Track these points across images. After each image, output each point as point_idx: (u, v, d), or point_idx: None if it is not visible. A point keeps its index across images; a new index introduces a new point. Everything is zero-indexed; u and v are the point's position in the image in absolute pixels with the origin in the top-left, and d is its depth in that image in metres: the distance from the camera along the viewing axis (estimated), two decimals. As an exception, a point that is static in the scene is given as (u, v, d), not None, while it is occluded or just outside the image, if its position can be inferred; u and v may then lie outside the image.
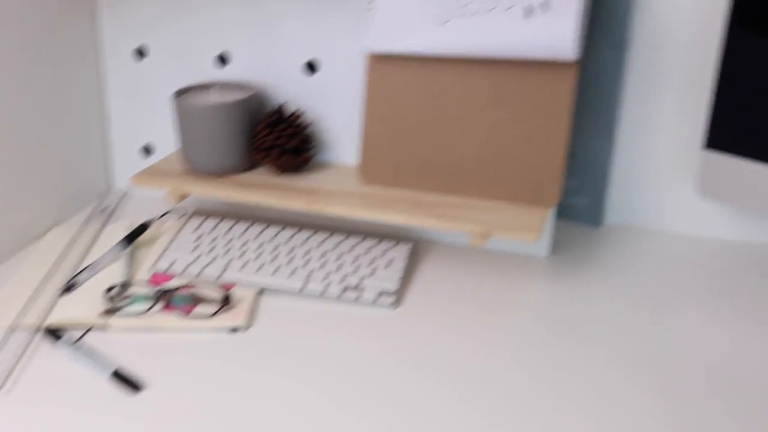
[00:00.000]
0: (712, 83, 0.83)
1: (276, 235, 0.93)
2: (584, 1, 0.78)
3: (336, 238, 0.92)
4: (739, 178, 0.83)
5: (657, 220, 0.97)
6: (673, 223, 0.96)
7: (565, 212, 0.98)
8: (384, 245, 0.91)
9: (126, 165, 1.10)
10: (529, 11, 0.78)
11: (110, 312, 0.80)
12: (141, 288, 0.84)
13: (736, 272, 0.88)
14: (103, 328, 0.79)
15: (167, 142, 1.07)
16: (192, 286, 0.84)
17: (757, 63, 0.77)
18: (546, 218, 0.83)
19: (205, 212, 1.00)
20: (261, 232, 0.94)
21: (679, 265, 0.90)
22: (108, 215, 1.04)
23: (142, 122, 1.07)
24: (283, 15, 0.95)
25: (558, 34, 0.77)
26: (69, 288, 0.85)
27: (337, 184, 0.92)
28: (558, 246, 0.93)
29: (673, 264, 0.90)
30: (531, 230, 0.79)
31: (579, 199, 0.97)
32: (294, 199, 0.88)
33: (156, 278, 0.87)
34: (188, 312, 0.81)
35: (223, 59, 1.00)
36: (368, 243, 0.92)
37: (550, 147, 0.83)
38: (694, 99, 0.90)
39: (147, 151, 1.09)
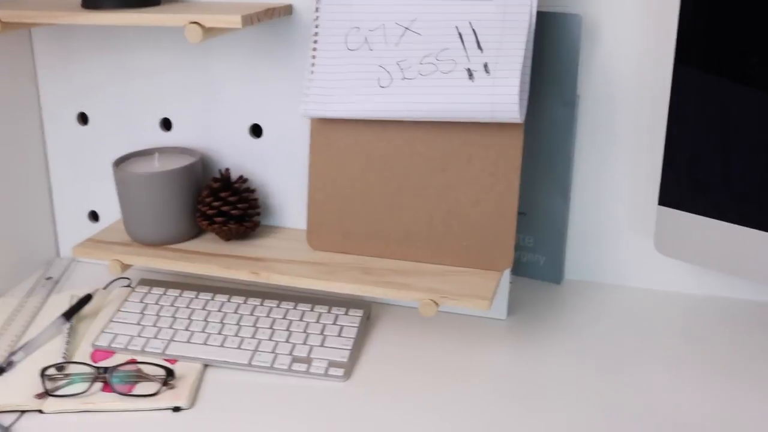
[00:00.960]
0: (665, 135, 0.82)
1: (223, 304, 0.90)
2: (527, 60, 0.77)
3: (285, 306, 0.89)
4: (694, 236, 0.81)
5: (616, 276, 0.95)
6: (633, 278, 0.94)
7: (523, 270, 0.96)
8: (335, 312, 0.88)
9: (73, 232, 1.07)
10: (471, 74, 0.77)
11: (46, 394, 0.77)
12: (80, 367, 0.80)
13: (699, 328, 0.86)
14: (38, 411, 0.75)
15: (114, 209, 1.04)
16: (134, 363, 0.80)
17: (703, 102, 0.76)
18: (499, 283, 0.81)
19: (150, 281, 0.96)
20: (208, 301, 0.91)
21: (640, 322, 0.88)
22: (53, 285, 1.00)
23: (88, 188, 1.04)
24: (226, 78, 0.93)
25: (502, 96, 0.75)
26: (3, 369, 0.81)
27: (284, 251, 0.89)
28: (517, 305, 0.91)
29: (634, 320, 0.88)
30: (483, 298, 0.77)
31: (537, 256, 0.95)
32: (239, 269, 0.85)
33: (97, 354, 0.84)
34: (129, 391, 0.77)
35: (166, 124, 0.98)
36: (319, 310, 0.89)
37: (500, 210, 0.81)
38: (649, 153, 0.88)
39: (94, 216, 1.06)
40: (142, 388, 0.78)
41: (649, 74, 0.84)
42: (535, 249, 0.94)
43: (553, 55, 0.84)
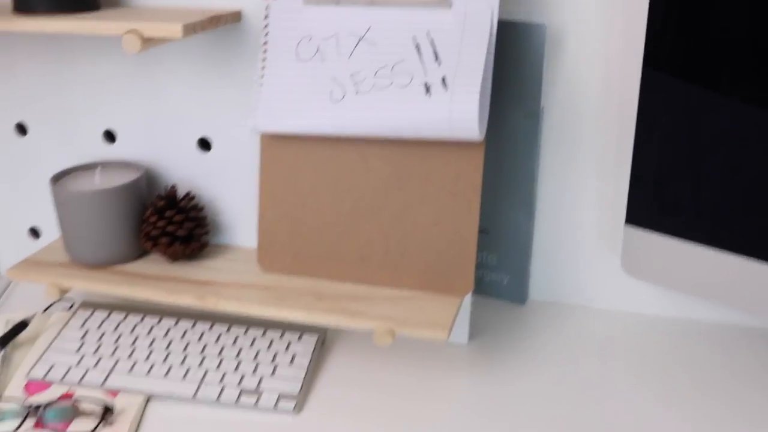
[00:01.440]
0: (632, 149, 0.78)
1: (170, 329, 0.85)
2: (487, 73, 0.72)
3: (236, 331, 0.84)
4: (663, 257, 0.77)
5: (582, 296, 0.91)
6: (599, 298, 0.90)
7: (486, 289, 0.91)
8: (288, 338, 0.83)
9: (12, 250, 1.01)
10: (428, 88, 0.72)
11: (-27, 433, 0.71)
12: (10, 402, 0.75)
13: (667, 351, 0.83)
14: (-37, 453, 0.70)
15: (55, 225, 0.98)
16: (70, 397, 0.75)
17: (673, 114, 0.72)
18: (459, 310, 0.77)
19: (94, 304, 0.91)
20: (154, 326, 0.85)
21: (606, 344, 0.84)
22: (-10, 307, 0.94)
23: (27, 203, 0.98)
24: (173, 88, 0.87)
25: (460, 113, 0.71)
26: (-73, 406, 0.75)
27: (233, 273, 0.84)
28: (479, 328, 0.86)
29: (600, 342, 0.84)
30: (441, 327, 0.72)
31: (500, 275, 0.90)
32: (184, 295, 0.80)
33: (31, 387, 0.78)
34: (64, 429, 0.72)
35: (110, 136, 0.92)
36: (271, 335, 0.84)
37: (460, 230, 0.76)
38: (616, 167, 0.84)
39: (35, 233, 1.00)
40: (78, 424, 0.72)
41: (616, 85, 0.80)
42: (498, 268, 0.90)
43: (516, 66, 0.80)
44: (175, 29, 0.71)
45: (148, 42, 0.73)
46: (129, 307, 0.90)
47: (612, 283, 0.89)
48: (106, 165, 0.90)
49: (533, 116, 0.82)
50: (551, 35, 0.79)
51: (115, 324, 0.86)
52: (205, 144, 0.89)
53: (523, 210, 0.86)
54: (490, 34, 0.72)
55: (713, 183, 0.73)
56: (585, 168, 0.85)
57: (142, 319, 0.87)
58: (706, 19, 0.69)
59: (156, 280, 0.83)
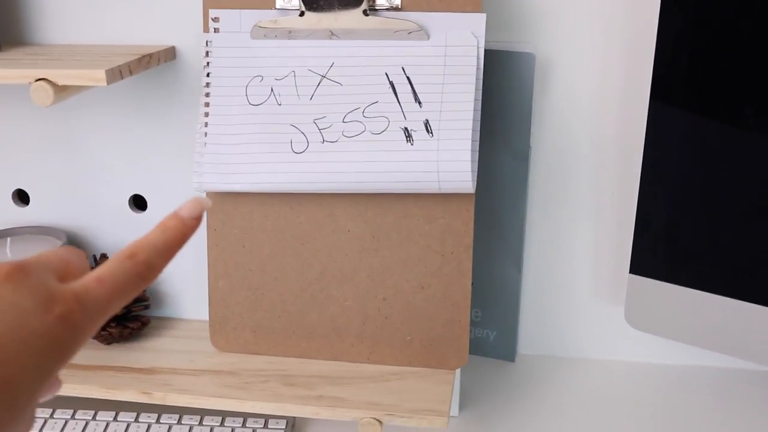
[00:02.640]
0: (637, 193, 0.69)
1: (108, 425, 0.71)
2: (476, 114, 0.62)
3: (188, 422, 0.71)
4: (673, 309, 0.68)
5: (577, 348, 0.81)
6: (595, 349, 0.81)
7: (473, 347, 0.81)
8: (251, 425, 0.71)
9: None
10: (409, 134, 0.61)
11: None
12: None
13: (672, 401, 0.74)
14: None
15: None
16: None
17: (685, 147, 0.63)
18: (453, 387, 0.66)
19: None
20: (88, 422, 0.72)
21: (607, 399, 0.75)
22: None
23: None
24: (96, 139, 0.74)
25: (450, 163, 0.60)
26: None
27: (182, 356, 0.71)
28: (469, 393, 0.76)
29: (600, 398, 0.75)
30: (437, 412, 0.61)
31: (485, 331, 0.80)
32: (124, 388, 0.67)
33: None
34: None
35: (22, 197, 0.78)
36: (230, 424, 0.71)
37: (450, 295, 0.66)
38: (613, 211, 0.75)
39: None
40: None
41: (614, 119, 0.71)
42: (483, 323, 0.80)
43: (501, 100, 0.70)
44: (97, 76, 0.59)
45: (63, 91, 0.60)
46: (57, 403, 0.76)
47: (609, 332, 0.80)
48: (18, 232, 0.76)
49: (521, 156, 0.72)
50: (540, 65, 0.69)
51: (40, 424, 0.72)
52: (139, 203, 0.76)
53: (511, 259, 0.76)
54: (477, 68, 0.61)
55: (731, 228, 0.64)
56: (579, 212, 0.75)
57: (73, 416, 0.73)
58: (726, 46, 0.60)
59: (89, 370, 0.69)
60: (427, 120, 0.61)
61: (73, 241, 0.77)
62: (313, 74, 0.64)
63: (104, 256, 0.74)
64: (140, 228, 0.75)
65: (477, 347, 0.81)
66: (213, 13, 0.66)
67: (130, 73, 0.62)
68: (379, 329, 0.68)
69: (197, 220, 0.35)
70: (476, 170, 0.62)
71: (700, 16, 0.61)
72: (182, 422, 0.72)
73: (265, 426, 0.71)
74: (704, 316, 0.68)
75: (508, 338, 0.80)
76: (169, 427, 0.71)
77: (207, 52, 0.66)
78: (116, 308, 0.32)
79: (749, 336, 0.67)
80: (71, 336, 0.30)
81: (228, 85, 0.65)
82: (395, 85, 0.62)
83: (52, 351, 0.29)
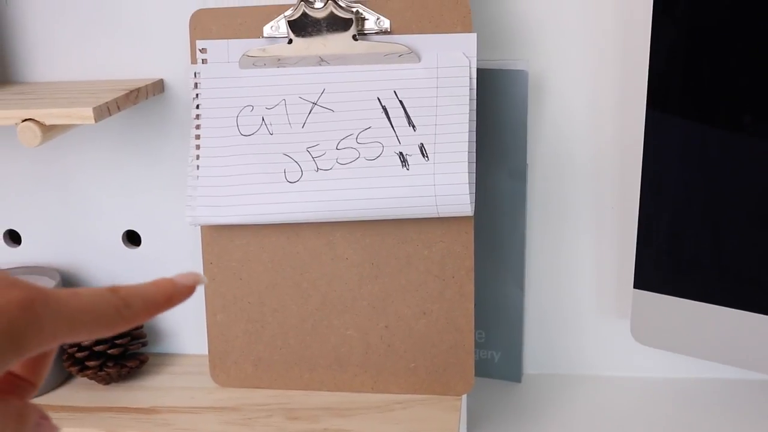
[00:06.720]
0: (638, 205, 0.68)
1: (109, 467, 0.70)
2: (471, 135, 0.61)
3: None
4: (679, 322, 0.67)
5: (584, 365, 0.80)
6: (603, 366, 0.79)
7: (477, 369, 0.79)
8: (256, 461, 0.70)
9: None
10: (404, 159, 0.60)
11: None
12: None
13: (682, 414, 0.73)
14: None
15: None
16: None
17: (685, 156, 0.62)
18: (461, 413, 0.65)
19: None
20: (89, 464, 0.71)
21: (616, 416, 0.73)
22: None
23: None
24: (87, 174, 0.73)
25: (447, 187, 0.59)
26: None
27: (182, 394, 0.70)
28: (475, 418, 0.74)
29: (609, 414, 0.73)
30: (445, 441, 0.60)
31: (490, 352, 0.79)
32: (123, 430, 0.65)
33: None
34: None
35: (13, 237, 0.77)
36: (235, 460, 0.70)
37: (453, 320, 0.65)
38: (613, 224, 0.74)
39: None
40: None
41: (610, 132, 0.70)
42: (487, 344, 0.79)
43: (495, 118, 0.69)
44: (85, 114, 0.58)
45: (50, 131, 0.59)
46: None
47: (615, 348, 0.78)
48: (14, 272, 0.75)
49: (518, 174, 0.71)
50: (534, 81, 0.68)
51: (41, 467, 0.71)
52: (133, 238, 0.75)
53: (512, 278, 0.75)
54: (470, 89, 0.60)
55: (735, 238, 0.63)
56: (579, 228, 0.74)
57: (74, 458, 0.72)
58: (721, 53, 0.59)
59: (86, 412, 0.68)
60: (422, 143, 0.60)
61: (67, 279, 0.76)
62: (304, 102, 0.63)
63: (99, 295, 0.72)
64: (135, 264, 0.75)
65: (482, 369, 0.80)
66: (200, 44, 0.65)
67: (118, 108, 0.61)
68: (382, 358, 0.67)
69: (189, 289, 0.35)
70: (474, 192, 0.61)
71: (693, 23, 0.60)
72: (185, 461, 0.70)
73: (270, 461, 0.70)
74: (711, 328, 0.67)
75: (514, 358, 0.79)
76: (172, 467, 0.70)
77: (196, 84, 0.65)
78: (84, 329, 0.31)
79: (758, 347, 0.66)
80: (26, 324, 0.29)
81: (218, 116, 0.64)
82: (388, 110, 0.61)
83: (3, 334, 0.28)
